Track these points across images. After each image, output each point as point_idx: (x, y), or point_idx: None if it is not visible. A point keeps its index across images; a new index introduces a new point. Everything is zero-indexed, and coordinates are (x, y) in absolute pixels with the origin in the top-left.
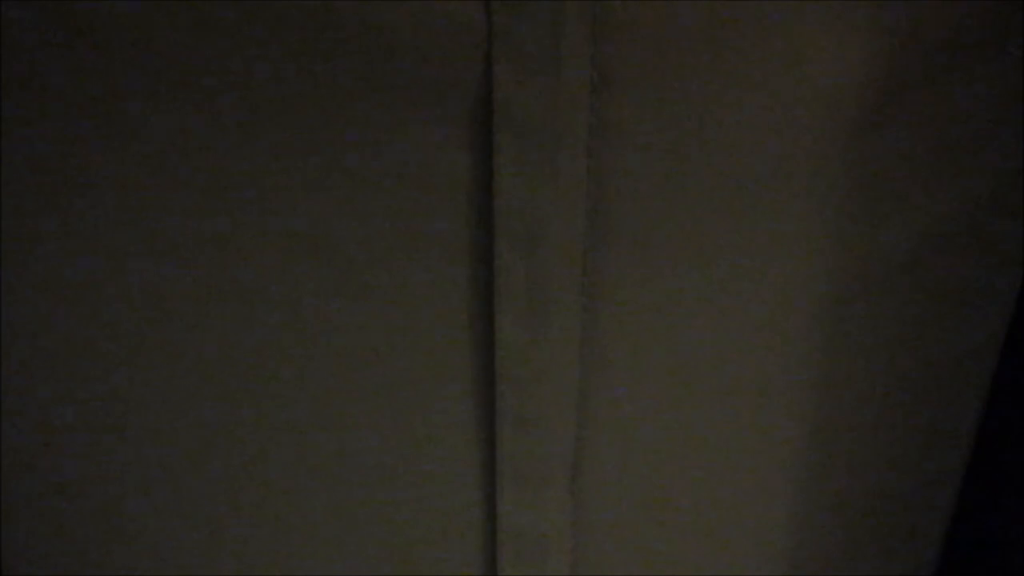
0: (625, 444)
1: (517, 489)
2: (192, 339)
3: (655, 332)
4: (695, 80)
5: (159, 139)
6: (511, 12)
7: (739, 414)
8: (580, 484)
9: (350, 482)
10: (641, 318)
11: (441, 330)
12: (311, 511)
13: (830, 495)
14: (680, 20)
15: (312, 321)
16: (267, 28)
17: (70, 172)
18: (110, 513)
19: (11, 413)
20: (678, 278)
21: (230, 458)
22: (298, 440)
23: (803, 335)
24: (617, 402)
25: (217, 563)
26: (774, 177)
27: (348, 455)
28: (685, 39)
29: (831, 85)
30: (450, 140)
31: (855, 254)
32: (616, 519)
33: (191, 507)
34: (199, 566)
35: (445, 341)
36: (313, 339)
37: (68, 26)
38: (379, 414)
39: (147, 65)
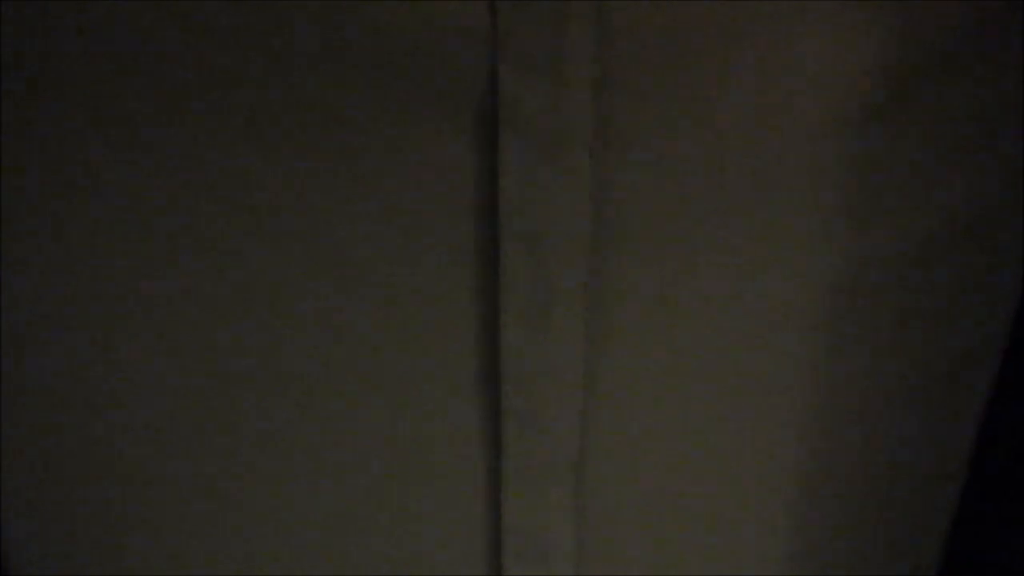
0: (629, 444)
1: (521, 489)
2: (195, 339)
3: (659, 332)
4: (699, 81)
5: (160, 140)
6: (515, 13)
7: (743, 414)
8: (584, 484)
9: (352, 482)
10: (645, 318)
11: (445, 330)
12: (313, 511)
13: (832, 496)
14: (684, 21)
15: (315, 321)
16: (270, 29)
17: (71, 172)
18: (112, 513)
19: (12, 413)
20: (682, 278)
21: (231, 458)
22: (300, 440)
23: (806, 335)
24: (621, 402)
25: (219, 563)
26: (777, 177)
27: (350, 455)
28: (689, 40)
29: (834, 85)
30: (454, 140)
31: (858, 254)
32: (620, 519)
33: (192, 506)
34: (200, 565)
35: (449, 341)
36: (316, 338)
37: (69, 26)
38: (382, 413)
39: (148, 67)
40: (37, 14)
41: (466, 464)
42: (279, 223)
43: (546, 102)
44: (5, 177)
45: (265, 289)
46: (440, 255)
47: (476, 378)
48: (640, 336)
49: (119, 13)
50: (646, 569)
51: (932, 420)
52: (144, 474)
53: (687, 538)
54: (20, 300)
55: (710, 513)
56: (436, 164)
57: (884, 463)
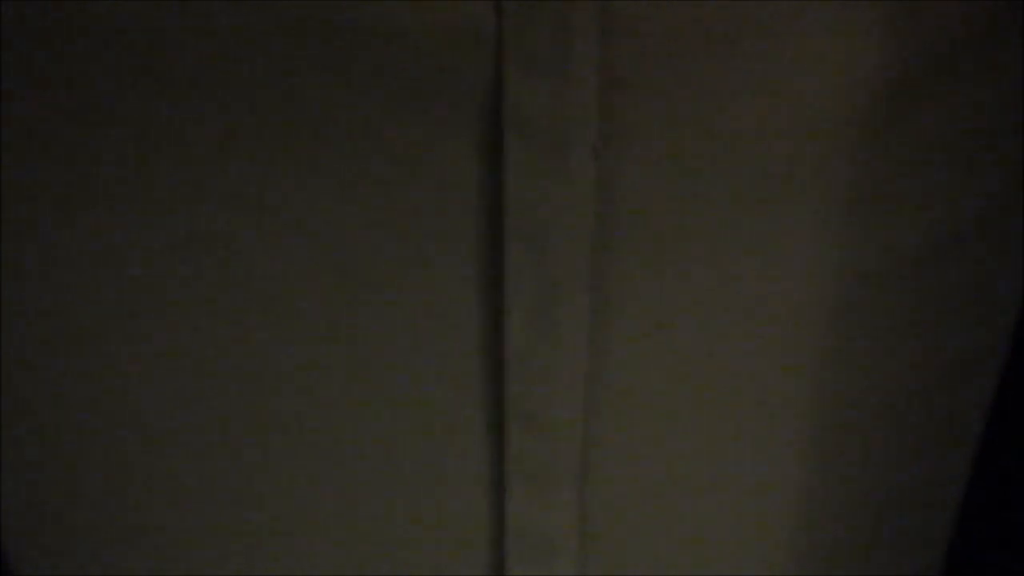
0: (633, 444)
1: (525, 489)
2: (200, 339)
3: (663, 332)
4: (703, 82)
5: (164, 142)
6: (521, 14)
7: (746, 414)
8: (588, 484)
9: (357, 481)
10: (649, 318)
11: (449, 330)
12: (318, 510)
13: (837, 495)
14: (689, 22)
15: (321, 321)
16: (276, 30)
17: (73, 172)
18: (115, 512)
19: (13, 413)
20: (686, 278)
21: (236, 457)
22: (306, 439)
23: (811, 335)
24: (625, 401)
25: (222, 562)
26: (781, 178)
27: (356, 454)
28: (694, 41)
29: (838, 87)
30: (459, 140)
31: (861, 255)
32: (624, 519)
33: (197, 507)
34: (206, 565)
35: (453, 341)
36: (322, 338)
37: (71, 26)
38: (387, 413)
39: (151, 68)
40: (39, 14)
41: (470, 463)
42: (283, 224)
43: (551, 103)
44: (7, 177)
45: (269, 290)
46: (444, 255)
47: (480, 378)
48: (644, 336)
49: (119, 14)
50: (648, 569)
51: (935, 422)
52: (148, 475)
53: (690, 537)
54: (21, 300)
55: (714, 512)
56: (441, 164)
57: (891, 463)
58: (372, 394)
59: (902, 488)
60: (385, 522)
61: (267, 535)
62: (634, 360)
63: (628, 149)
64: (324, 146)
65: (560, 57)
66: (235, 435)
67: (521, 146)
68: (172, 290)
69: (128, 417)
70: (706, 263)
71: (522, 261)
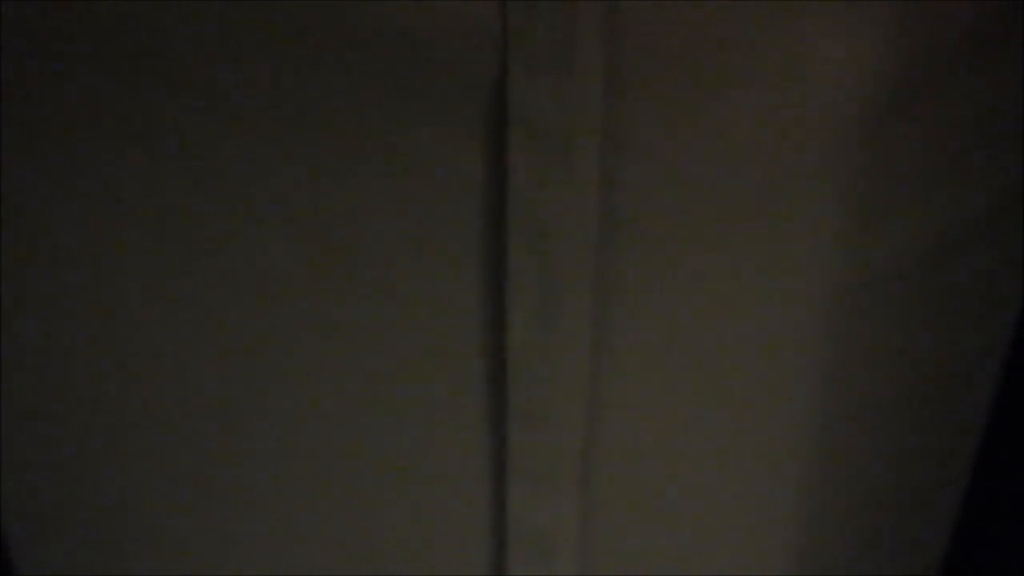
0: (635, 444)
1: (527, 488)
2: (200, 336)
3: (665, 332)
4: (707, 82)
5: (165, 140)
6: (525, 13)
7: (747, 414)
8: (590, 484)
9: (359, 480)
10: (652, 318)
11: (452, 329)
12: (320, 509)
13: (836, 496)
14: (692, 23)
15: (323, 319)
16: (279, 29)
17: (75, 171)
18: (115, 512)
19: (13, 413)
20: (689, 278)
21: (235, 456)
22: (307, 438)
23: (811, 336)
24: (627, 401)
25: (222, 562)
26: (783, 179)
27: (357, 453)
28: (697, 42)
29: (841, 88)
30: (464, 140)
31: (862, 256)
32: (625, 519)
33: (198, 506)
34: (206, 564)
35: (456, 340)
36: (324, 337)
37: (73, 25)
38: (389, 412)
39: (157, 65)
40: (40, 14)
41: (471, 463)
42: (286, 223)
43: (555, 102)
44: (7, 177)
45: (271, 289)
46: (448, 254)
47: (482, 377)
48: (646, 336)
49: (120, 13)
50: (650, 568)
51: (937, 422)
52: (148, 475)
53: (691, 537)
54: (22, 300)
55: (714, 512)
56: (445, 163)
57: (890, 465)
58: (373, 393)
59: (901, 488)
60: (386, 521)
61: (267, 534)
62: (636, 359)
63: (633, 149)
64: (327, 146)
65: (564, 56)
66: (234, 435)
67: (525, 144)
68: (178, 288)
69: (125, 416)
70: (709, 263)
71: (524, 259)
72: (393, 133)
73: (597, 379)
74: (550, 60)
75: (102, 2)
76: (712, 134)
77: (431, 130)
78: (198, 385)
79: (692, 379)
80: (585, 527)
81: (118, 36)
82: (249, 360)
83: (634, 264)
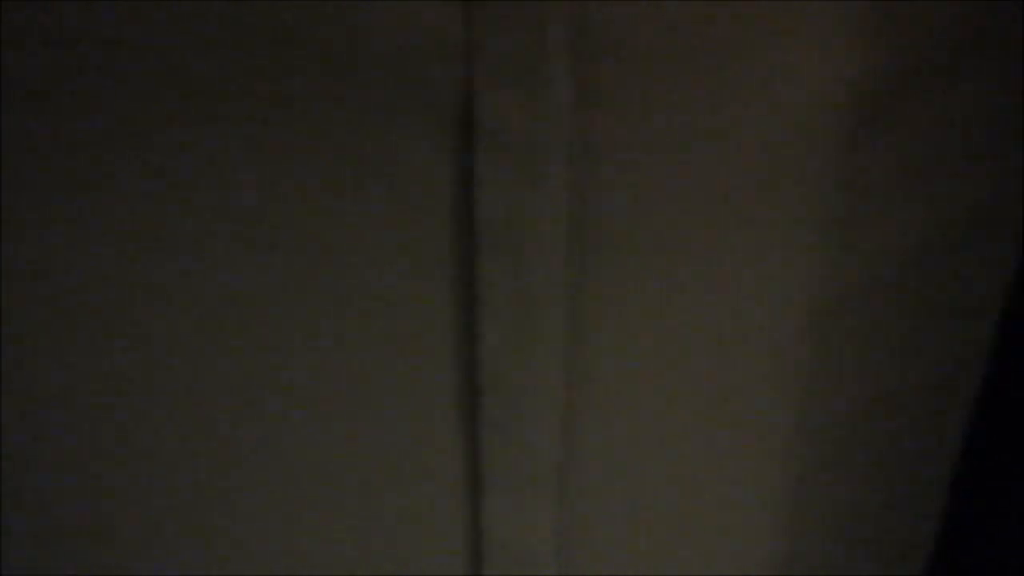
0: (612, 453)
1: (502, 500)
2: (173, 342)
3: (641, 340)
4: (680, 88)
5: (148, 144)
6: (490, 18)
7: (727, 421)
8: (566, 495)
9: (332, 492)
10: (626, 328)
11: (424, 340)
12: (294, 517)
13: (821, 500)
14: (665, 28)
15: (294, 329)
16: (242, 36)
17: (66, 174)
18: (106, 513)
19: (10, 413)
20: (664, 288)
21: (214, 462)
22: (280, 447)
23: (793, 344)
24: (603, 410)
25: (202, 565)
26: (764, 185)
27: (329, 465)
28: (673, 45)
29: (823, 92)
30: (431, 149)
31: (847, 261)
32: (603, 529)
33: (179, 509)
34: (186, 566)
35: (428, 351)
36: (295, 347)
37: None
38: (361, 424)
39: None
40: (38, 14)
41: (446, 473)
42: (254, 231)
43: (522, 113)
44: (7, 178)
45: (243, 296)
46: (418, 264)
47: (455, 387)
48: (621, 347)
49: (104, 16)
50: None
51: (924, 425)
52: (134, 477)
53: (670, 547)
54: (19, 301)
55: (695, 520)
56: (413, 173)
57: (876, 467)
58: (346, 403)
59: (889, 489)
60: (360, 532)
61: (248, 539)
62: (611, 368)
63: (603, 158)
64: (291, 154)
65: (532, 64)
66: (213, 440)
67: (493, 155)
68: (153, 292)
69: (115, 416)
70: (684, 271)
71: (495, 271)
72: (358, 142)
73: (572, 388)
74: (517, 68)
75: (91, 4)
76: (688, 142)
77: (397, 140)
78: (179, 390)
79: (669, 386)
80: (561, 537)
81: (99, 39)
82: (220, 368)
83: (608, 273)
